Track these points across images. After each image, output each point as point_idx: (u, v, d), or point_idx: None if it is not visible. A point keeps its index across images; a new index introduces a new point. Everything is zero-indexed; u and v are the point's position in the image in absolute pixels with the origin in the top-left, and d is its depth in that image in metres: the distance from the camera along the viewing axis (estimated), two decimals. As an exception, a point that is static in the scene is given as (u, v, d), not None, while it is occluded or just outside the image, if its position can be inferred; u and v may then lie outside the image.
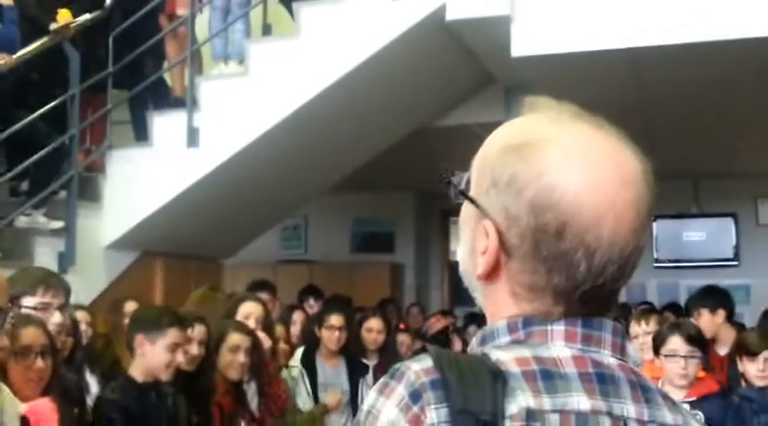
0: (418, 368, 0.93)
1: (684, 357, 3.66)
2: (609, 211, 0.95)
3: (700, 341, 3.75)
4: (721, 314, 4.83)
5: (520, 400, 0.91)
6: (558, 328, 0.98)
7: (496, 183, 0.99)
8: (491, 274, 1.01)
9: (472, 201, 1.02)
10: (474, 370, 0.93)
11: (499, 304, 1.01)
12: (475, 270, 1.02)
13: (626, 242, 0.97)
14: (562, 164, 0.97)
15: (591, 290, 0.97)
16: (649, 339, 4.31)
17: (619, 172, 0.97)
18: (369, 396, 0.96)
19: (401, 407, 0.91)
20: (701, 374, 3.87)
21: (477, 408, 0.90)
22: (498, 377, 0.92)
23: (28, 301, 3.22)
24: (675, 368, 3.66)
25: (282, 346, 4.83)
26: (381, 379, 0.96)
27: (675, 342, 3.70)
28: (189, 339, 3.47)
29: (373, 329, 5.51)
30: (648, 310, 5.00)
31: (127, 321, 3.83)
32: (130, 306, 4.50)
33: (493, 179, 1.00)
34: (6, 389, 2.55)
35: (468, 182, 1.04)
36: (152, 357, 3.37)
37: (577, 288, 0.97)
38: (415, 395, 0.91)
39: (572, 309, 0.98)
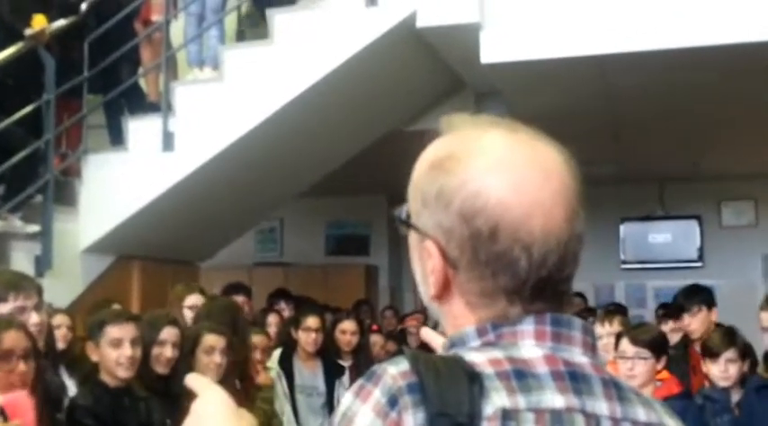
0: (395, 371, 0.93)
1: (631, 358, 3.68)
2: (536, 206, 0.98)
3: (651, 345, 3.74)
4: (715, 313, 4.84)
5: (495, 400, 0.92)
6: (528, 328, 0.99)
7: (427, 202, 1.02)
8: (443, 292, 1.02)
9: (410, 226, 1.05)
10: (450, 372, 0.93)
11: (458, 319, 1.02)
12: (429, 294, 1.04)
13: (560, 231, 0.99)
14: (483, 170, 0.99)
15: (538, 283, 0.98)
16: (613, 339, 4.40)
17: (540, 167, 1.00)
18: (345, 398, 0.96)
19: (378, 412, 0.92)
20: (666, 376, 3.91)
21: (454, 411, 0.90)
22: (475, 379, 0.92)
23: (2, 308, 3.20)
24: (624, 370, 3.67)
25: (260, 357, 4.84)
26: (358, 381, 0.96)
27: (623, 344, 3.74)
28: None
29: (347, 331, 5.57)
30: (612, 311, 5.04)
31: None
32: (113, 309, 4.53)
33: (423, 199, 1.02)
34: None
35: (407, 212, 1.06)
36: (103, 359, 3.38)
37: (525, 283, 0.98)
38: (393, 401, 0.91)
39: (527, 306, 0.99)
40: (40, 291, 3.39)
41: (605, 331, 4.48)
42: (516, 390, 0.93)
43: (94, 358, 3.41)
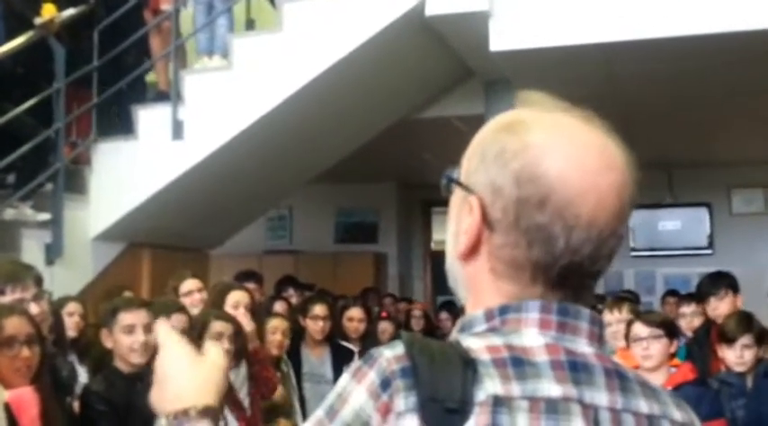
0: (390, 354, 0.94)
1: (645, 338, 3.73)
2: (591, 190, 0.97)
3: (663, 325, 3.80)
4: (740, 299, 4.84)
5: (488, 387, 0.92)
6: (533, 316, 0.98)
7: (485, 158, 1.02)
8: (472, 252, 1.02)
9: (457, 183, 1.05)
10: (445, 357, 0.93)
11: (479, 283, 1.02)
12: (457, 251, 1.04)
13: (605, 224, 0.98)
14: (550, 140, 0.99)
15: (568, 267, 0.98)
16: (622, 327, 4.40)
17: (603, 157, 0.99)
18: (342, 379, 0.98)
19: (371, 393, 0.93)
20: (677, 362, 3.94)
21: (446, 396, 0.90)
22: (469, 365, 0.92)
23: (1, 301, 3.23)
24: (639, 351, 3.73)
25: (280, 338, 4.85)
26: (355, 363, 0.98)
27: (636, 327, 3.80)
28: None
29: (354, 318, 5.60)
30: (621, 298, 5.05)
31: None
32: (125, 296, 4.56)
33: (482, 155, 1.02)
34: None
35: (458, 173, 1.07)
36: (117, 345, 3.41)
37: (556, 262, 0.98)
38: (385, 383, 0.92)
39: (549, 288, 0.99)
40: (39, 281, 3.40)
41: (614, 318, 4.50)
42: (511, 377, 0.93)
43: (108, 345, 3.44)
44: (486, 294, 1.02)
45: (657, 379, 3.67)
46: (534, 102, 1.06)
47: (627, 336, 3.90)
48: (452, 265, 1.07)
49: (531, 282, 0.99)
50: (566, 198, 0.97)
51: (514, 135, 1.01)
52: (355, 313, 5.63)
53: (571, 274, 0.99)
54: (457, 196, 1.06)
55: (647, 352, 3.72)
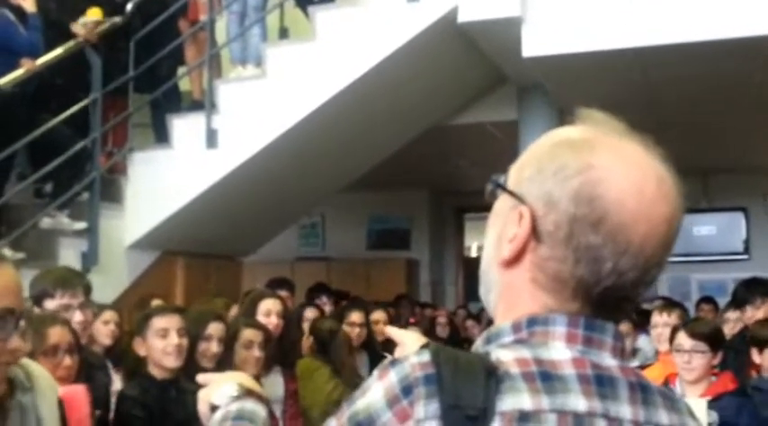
0: (416, 361, 0.95)
1: (688, 351, 3.64)
2: (645, 218, 0.99)
3: (708, 338, 3.68)
4: None
5: (515, 399, 0.93)
6: (561, 329, 1.00)
7: (542, 171, 1.02)
8: (515, 260, 1.03)
9: (508, 191, 1.06)
10: (469, 367, 0.95)
11: (516, 291, 1.03)
12: (498, 257, 1.05)
13: (653, 252, 1.00)
14: (612, 163, 1.00)
15: (609, 290, 1.00)
16: (668, 331, 4.36)
17: (659, 186, 1.01)
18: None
19: (387, 392, 0.94)
20: (715, 371, 3.82)
21: (467, 404, 0.92)
22: (492, 375, 0.94)
23: (49, 304, 3.34)
24: (680, 363, 3.64)
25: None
26: (384, 363, 1.00)
27: (680, 337, 3.69)
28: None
29: (380, 321, 5.64)
30: (673, 303, 4.98)
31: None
32: (156, 304, 4.60)
33: (539, 168, 1.03)
34: (45, 372, 2.66)
35: (505, 180, 1.08)
36: (150, 351, 3.42)
37: (599, 283, 0.99)
38: (407, 390, 0.93)
39: (587, 306, 1.01)
40: (88, 290, 3.50)
41: (662, 320, 4.42)
42: (541, 391, 0.94)
43: (142, 352, 3.46)
44: (522, 303, 1.03)
45: (697, 389, 3.63)
46: (594, 122, 1.07)
47: (671, 341, 3.84)
48: (488, 271, 1.08)
49: (571, 298, 1.01)
50: (620, 222, 0.98)
51: (577, 153, 1.02)
52: (379, 316, 5.69)
53: (611, 296, 1.01)
54: (503, 203, 1.07)
55: (689, 366, 3.64)
